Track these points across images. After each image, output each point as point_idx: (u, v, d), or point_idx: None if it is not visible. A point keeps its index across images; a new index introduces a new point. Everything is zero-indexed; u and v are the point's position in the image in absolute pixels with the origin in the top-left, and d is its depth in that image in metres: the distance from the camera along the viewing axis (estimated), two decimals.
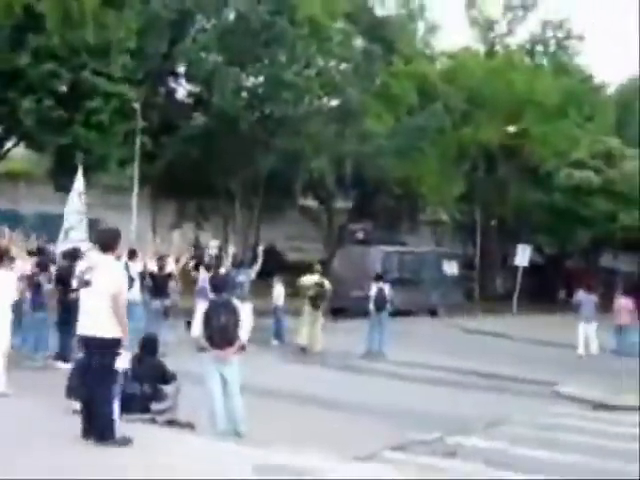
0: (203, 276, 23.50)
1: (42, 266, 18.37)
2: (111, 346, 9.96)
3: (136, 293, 20.95)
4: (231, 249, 25.52)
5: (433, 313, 38.34)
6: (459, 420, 14.57)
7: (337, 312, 31.65)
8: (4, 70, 30.57)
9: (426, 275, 39.33)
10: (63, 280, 18.06)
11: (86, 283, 10.19)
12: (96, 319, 9.99)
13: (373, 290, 24.63)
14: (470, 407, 16.15)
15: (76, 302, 17.38)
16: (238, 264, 24.31)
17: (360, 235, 41.57)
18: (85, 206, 22.69)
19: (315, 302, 23.87)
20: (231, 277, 23.67)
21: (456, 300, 41.09)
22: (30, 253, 19.66)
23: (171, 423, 12.16)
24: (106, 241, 10.38)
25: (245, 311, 23.31)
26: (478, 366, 21.97)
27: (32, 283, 18.09)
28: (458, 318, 36.95)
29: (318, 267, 25.60)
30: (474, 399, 17.36)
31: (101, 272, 10.10)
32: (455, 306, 39.78)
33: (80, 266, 10.89)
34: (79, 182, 23.02)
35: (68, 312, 17.70)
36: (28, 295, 18.13)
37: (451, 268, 42.49)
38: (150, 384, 12.24)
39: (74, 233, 21.99)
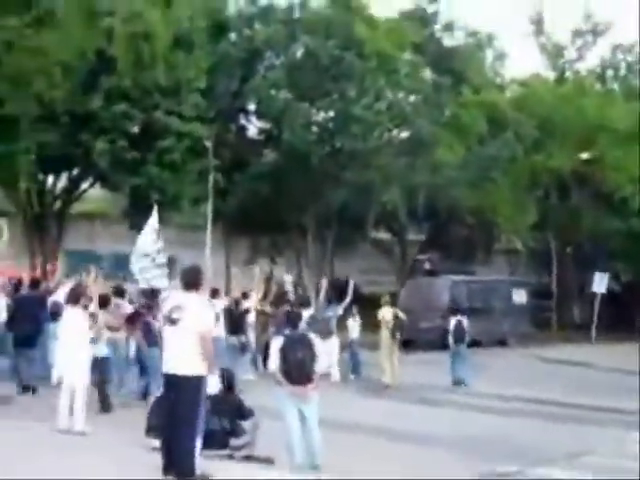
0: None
1: (148, 306, 18.60)
2: (196, 384, 10.04)
3: (220, 330, 21.31)
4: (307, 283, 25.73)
5: (502, 343, 37.66)
6: (540, 451, 14.36)
7: (406, 344, 31.20)
8: (78, 113, 31.11)
9: (495, 304, 38.67)
10: (140, 320, 18.34)
11: (172, 322, 10.28)
12: (182, 357, 10.08)
13: (452, 323, 24.52)
14: (551, 438, 15.90)
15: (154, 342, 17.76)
16: (328, 299, 24.63)
17: (427, 265, 41.07)
18: (158, 245, 22.88)
19: (393, 334, 23.84)
20: (320, 312, 24.01)
21: (525, 330, 40.32)
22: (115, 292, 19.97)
23: (249, 458, 12.18)
24: (190, 279, 10.50)
25: (332, 345, 23.58)
26: (558, 396, 21.68)
27: (141, 322, 18.38)
28: (534, 348, 36.51)
29: (387, 299, 25.52)
30: (555, 430, 17.09)
31: (188, 310, 10.20)
32: (525, 336, 39.16)
33: (165, 305, 10.99)
34: (153, 220, 23.24)
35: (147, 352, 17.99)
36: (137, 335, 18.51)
37: (520, 297, 41.65)
38: (228, 419, 12.28)
39: (148, 274, 22.18)
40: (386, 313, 24.20)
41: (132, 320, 18.81)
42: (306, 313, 24.17)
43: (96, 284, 17.87)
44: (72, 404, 13.66)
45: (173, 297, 10.93)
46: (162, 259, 22.64)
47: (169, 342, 10.36)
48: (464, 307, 29.65)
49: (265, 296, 24.77)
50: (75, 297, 14.50)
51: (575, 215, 48.75)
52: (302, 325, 23.22)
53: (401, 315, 24.42)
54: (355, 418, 16.81)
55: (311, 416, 11.82)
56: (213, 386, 10.42)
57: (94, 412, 14.73)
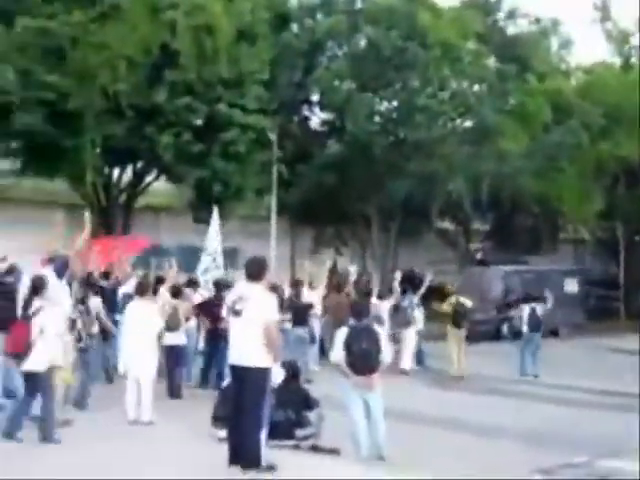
0: (374, 303, 23.84)
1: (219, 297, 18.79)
2: (262, 375, 10.07)
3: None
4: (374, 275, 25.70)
5: (554, 334, 36.49)
6: (609, 443, 14.19)
7: None
8: (142, 106, 31.30)
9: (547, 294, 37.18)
10: (210, 311, 18.47)
11: (236, 313, 10.31)
12: (247, 348, 10.11)
13: (525, 311, 24.29)
14: (620, 429, 15.70)
15: (222, 333, 17.90)
16: (402, 290, 24.67)
17: (479, 255, 40.44)
18: (218, 246, 23.12)
19: (458, 323, 23.64)
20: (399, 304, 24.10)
21: (577, 320, 39.56)
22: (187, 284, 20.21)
23: (315, 449, 12.20)
24: (254, 270, 10.54)
25: (409, 335, 23.62)
26: (626, 387, 21.42)
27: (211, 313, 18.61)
28: (602, 338, 36.08)
29: (451, 288, 25.45)
30: (623, 421, 16.87)
31: (251, 301, 10.22)
32: (577, 326, 38.43)
33: (229, 296, 11.03)
34: (215, 220, 23.50)
35: (215, 342, 18.11)
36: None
37: (572, 286, 40.61)
38: (294, 410, 12.31)
39: (209, 275, 22.44)
40: (447, 302, 24.12)
41: (202, 310, 18.99)
42: (387, 304, 24.36)
43: (176, 276, 18.24)
44: (139, 395, 13.78)
45: (237, 288, 10.97)
46: (221, 260, 22.88)
47: (233, 333, 10.40)
48: (513, 297, 29.22)
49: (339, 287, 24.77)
50: (142, 289, 14.64)
51: None
52: (384, 315, 23.65)
53: (468, 304, 24.22)
54: (421, 409, 16.77)
55: (376, 407, 11.82)
56: (278, 377, 10.41)
57: (162, 401, 14.83)
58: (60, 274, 13.42)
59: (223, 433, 11.01)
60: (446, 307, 24.06)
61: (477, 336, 29.96)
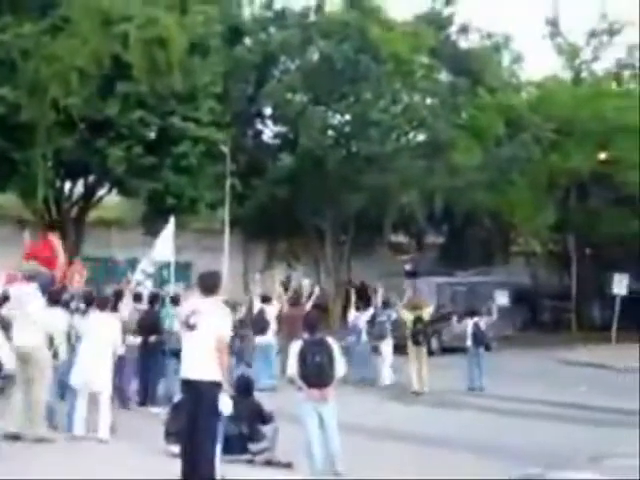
0: (354, 314, 24.90)
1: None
2: (214, 389, 9.98)
3: (271, 336, 21.63)
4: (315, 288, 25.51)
5: (486, 347, 34.67)
6: (561, 454, 14.24)
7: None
8: (94, 119, 31.09)
9: (477, 307, 35.02)
10: (146, 325, 18.26)
11: (190, 327, 10.22)
12: (199, 362, 10.03)
13: (469, 325, 24.25)
14: (572, 441, 15.78)
15: (157, 347, 17.79)
16: (383, 304, 24.70)
17: (408, 267, 39.85)
18: (171, 255, 22.88)
19: (416, 339, 23.20)
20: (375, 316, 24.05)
21: (507, 332, 38.50)
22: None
23: (269, 463, 12.12)
24: (208, 284, 10.44)
25: (386, 348, 23.47)
26: (578, 398, 21.55)
27: None
28: (553, 350, 36.25)
29: (405, 302, 25.25)
30: (576, 432, 16.97)
31: (205, 316, 10.14)
32: (507, 339, 37.67)
33: (183, 310, 10.94)
34: (170, 229, 23.27)
35: (150, 357, 17.94)
36: None
37: (502, 298, 38.34)
38: (247, 424, 12.23)
39: (148, 283, 22.17)
40: (407, 316, 23.73)
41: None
42: (366, 315, 24.43)
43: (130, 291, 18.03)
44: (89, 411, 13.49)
45: (191, 302, 10.89)
46: (152, 270, 22.63)
47: (186, 347, 10.31)
48: (444, 310, 28.65)
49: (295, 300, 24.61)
50: (103, 303, 14.44)
51: (594, 216, 48.46)
52: (362, 326, 23.78)
53: (425, 317, 23.68)
54: (374, 422, 16.73)
55: (330, 420, 11.78)
56: (227, 407, 10.23)
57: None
58: (45, 291, 13.31)
59: (176, 448, 10.89)
60: (405, 320, 23.73)
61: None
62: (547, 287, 53.41)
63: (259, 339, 22.20)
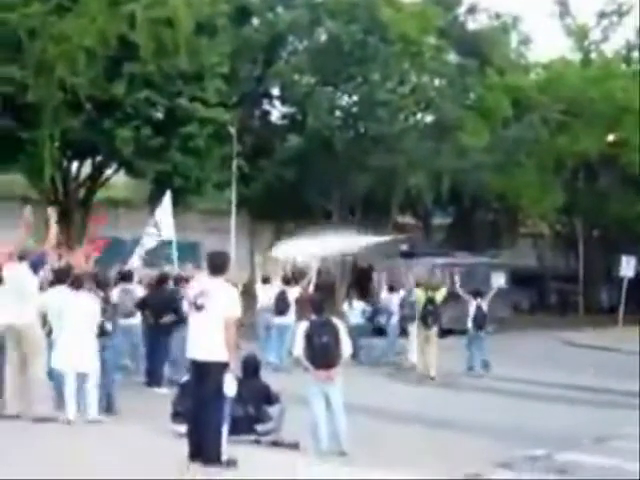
0: (384, 296, 25.30)
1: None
2: (221, 370, 9.96)
3: (291, 318, 21.58)
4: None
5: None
6: (567, 436, 14.22)
7: (380, 333, 27.43)
8: (101, 99, 31.05)
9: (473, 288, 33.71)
10: (150, 305, 18.13)
11: (198, 307, 10.20)
12: (206, 343, 10.01)
13: (472, 307, 23.98)
14: (578, 422, 15.77)
15: (165, 327, 17.66)
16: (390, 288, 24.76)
17: (405, 247, 39.09)
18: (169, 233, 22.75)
19: (426, 321, 22.37)
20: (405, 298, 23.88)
21: (504, 314, 36.63)
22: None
23: (276, 444, 12.12)
24: (216, 265, 10.40)
25: (413, 330, 23.03)
26: (585, 380, 21.53)
27: None
28: (560, 331, 36.22)
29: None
30: (582, 414, 16.95)
31: (213, 296, 10.11)
32: (502, 321, 36.62)
33: (191, 290, 10.90)
34: (167, 208, 23.13)
35: (161, 338, 17.84)
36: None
37: (498, 280, 37.40)
38: (254, 405, 12.22)
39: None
40: (419, 297, 22.86)
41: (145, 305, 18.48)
42: (396, 297, 24.35)
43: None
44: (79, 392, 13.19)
45: (199, 282, 10.85)
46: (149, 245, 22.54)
47: (194, 328, 10.29)
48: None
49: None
50: (79, 282, 13.85)
51: (602, 198, 48.43)
52: (394, 308, 23.63)
53: (438, 299, 22.66)
54: (379, 403, 16.72)
55: (335, 401, 11.78)
56: (232, 388, 10.18)
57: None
58: (36, 270, 13.22)
59: (183, 428, 10.89)
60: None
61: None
62: (554, 269, 53.37)
63: (278, 319, 22.22)
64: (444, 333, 24.91)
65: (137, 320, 18.29)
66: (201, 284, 10.56)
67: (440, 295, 22.88)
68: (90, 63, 30.02)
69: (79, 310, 13.35)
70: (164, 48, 31.19)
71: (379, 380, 21.17)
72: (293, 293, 22.65)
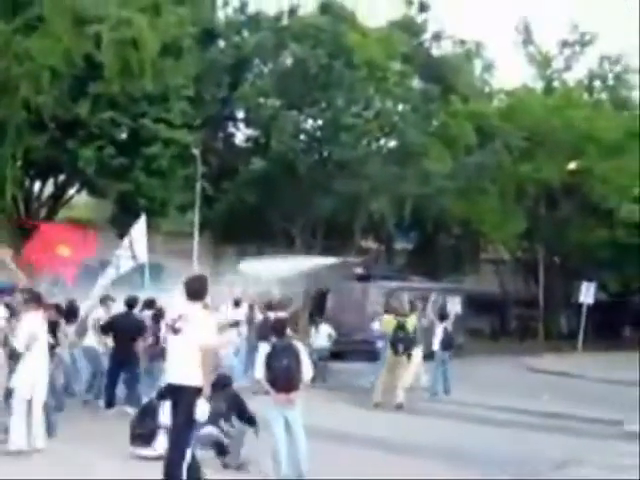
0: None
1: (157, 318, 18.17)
2: (194, 394, 9.96)
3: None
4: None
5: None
6: (527, 462, 14.28)
7: (336, 357, 27.42)
8: (65, 119, 30.99)
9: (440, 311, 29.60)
10: (126, 329, 17.95)
11: (175, 331, 10.19)
12: (182, 367, 10.02)
13: (439, 330, 24.04)
14: (537, 448, 15.84)
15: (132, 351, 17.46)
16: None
17: (359, 270, 38.69)
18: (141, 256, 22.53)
19: (395, 347, 21.23)
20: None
21: (459, 340, 36.47)
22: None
23: (236, 466, 12.14)
24: (195, 289, 10.34)
25: (417, 354, 22.63)
26: (544, 406, 21.63)
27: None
28: (520, 357, 36.39)
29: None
30: (541, 440, 17.02)
31: (192, 321, 10.10)
32: (457, 347, 35.75)
33: (169, 313, 10.88)
34: (141, 231, 22.91)
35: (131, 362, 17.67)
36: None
37: (454, 306, 36.49)
38: (226, 419, 12.31)
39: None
40: (388, 323, 21.90)
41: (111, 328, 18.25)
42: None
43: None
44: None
45: (177, 306, 10.78)
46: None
47: (171, 351, 10.29)
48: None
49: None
50: (37, 300, 13.29)
51: (563, 225, 48.86)
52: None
53: (409, 326, 21.43)
54: (339, 427, 16.71)
55: (295, 424, 11.79)
56: (204, 413, 10.17)
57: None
58: None
59: (143, 451, 10.85)
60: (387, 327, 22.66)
61: (355, 357, 28.43)
62: (515, 294, 53.72)
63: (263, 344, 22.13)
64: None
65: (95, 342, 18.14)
66: (180, 308, 10.52)
67: (411, 322, 21.85)
68: (55, 82, 29.98)
69: (37, 330, 12.97)
70: (129, 69, 31.16)
71: (340, 404, 21.15)
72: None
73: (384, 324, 22.48)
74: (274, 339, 12.38)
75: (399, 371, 21.44)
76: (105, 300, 19.23)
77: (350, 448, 14.75)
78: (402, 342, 21.12)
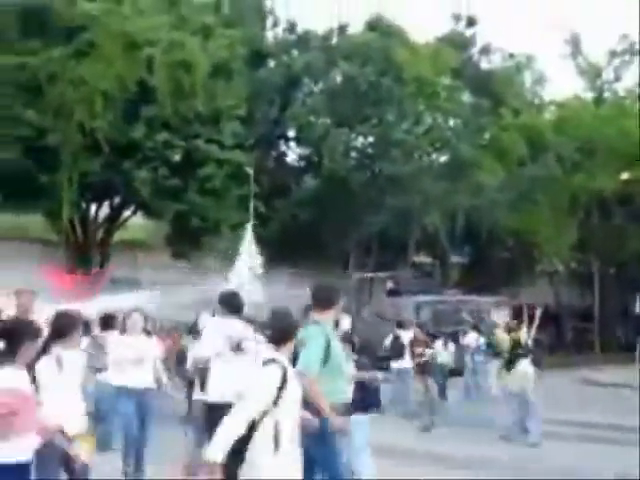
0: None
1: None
2: None
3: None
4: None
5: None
6: (588, 474, 14.23)
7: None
8: (119, 142, 31.41)
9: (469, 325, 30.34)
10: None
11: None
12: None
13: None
14: (597, 460, 15.75)
15: None
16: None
17: (390, 285, 38.37)
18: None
19: (422, 367, 20.68)
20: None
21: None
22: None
23: None
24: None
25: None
26: (604, 419, 21.49)
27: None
28: (578, 370, 36.13)
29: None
30: (601, 452, 16.93)
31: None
32: None
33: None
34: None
35: None
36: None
37: (501, 316, 33.48)
38: None
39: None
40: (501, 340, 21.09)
41: None
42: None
43: None
44: None
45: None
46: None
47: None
48: (427, 329, 26.91)
49: None
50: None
51: (618, 235, 48.46)
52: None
53: (523, 341, 19.69)
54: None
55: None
56: None
57: None
58: None
59: None
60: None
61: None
62: (570, 307, 53.34)
63: (395, 364, 22.17)
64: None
65: None
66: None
67: (523, 337, 20.05)
68: (108, 106, 30.44)
69: None
70: (181, 91, 31.57)
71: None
72: (406, 336, 22.31)
73: (497, 340, 21.75)
74: None
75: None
76: None
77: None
78: (520, 358, 19.58)
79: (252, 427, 6.81)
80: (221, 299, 10.80)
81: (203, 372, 10.80)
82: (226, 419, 6.79)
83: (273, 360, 7.10)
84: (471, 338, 26.12)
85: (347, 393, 8.92)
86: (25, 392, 7.03)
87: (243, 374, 9.42)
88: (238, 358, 10.20)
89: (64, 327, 8.69)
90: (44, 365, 8.13)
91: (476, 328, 26.38)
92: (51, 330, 8.56)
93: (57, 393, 8.01)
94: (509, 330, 20.47)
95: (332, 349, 8.49)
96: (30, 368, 7.36)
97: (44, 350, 8.25)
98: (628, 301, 47.55)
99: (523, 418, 18.60)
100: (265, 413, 6.84)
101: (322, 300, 8.97)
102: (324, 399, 8.12)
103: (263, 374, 7.05)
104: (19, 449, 6.84)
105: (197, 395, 11.41)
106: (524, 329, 20.27)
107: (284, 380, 6.95)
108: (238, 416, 6.79)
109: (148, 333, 13.14)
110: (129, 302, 14.24)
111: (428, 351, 21.24)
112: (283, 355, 7.27)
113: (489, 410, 21.61)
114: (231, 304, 10.61)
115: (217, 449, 6.66)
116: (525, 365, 19.46)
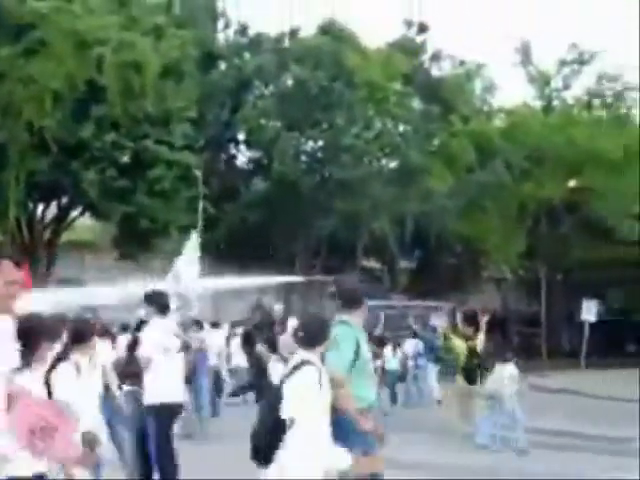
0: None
1: None
2: None
3: None
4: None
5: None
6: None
7: None
8: (68, 141, 31.15)
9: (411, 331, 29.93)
10: None
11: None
12: None
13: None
14: (542, 466, 15.84)
15: None
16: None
17: (333, 288, 38.18)
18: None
19: (469, 377, 18.37)
20: None
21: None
22: None
23: None
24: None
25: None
26: (548, 424, 21.60)
27: None
28: (522, 375, 36.31)
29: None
30: (545, 458, 17.02)
31: None
32: None
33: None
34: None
35: None
36: None
37: (440, 321, 36.50)
38: None
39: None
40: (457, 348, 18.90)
41: None
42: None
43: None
44: None
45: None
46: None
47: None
48: (376, 334, 26.91)
49: None
50: None
51: (564, 243, 48.87)
52: None
53: (480, 349, 18.07)
54: None
55: None
56: None
57: None
58: None
59: None
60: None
61: None
62: (517, 312, 53.67)
63: None
64: None
65: None
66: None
67: (480, 346, 18.31)
68: (57, 106, 30.17)
69: None
70: (131, 91, 31.38)
71: None
72: None
73: (453, 348, 19.29)
74: None
75: (472, 401, 18.75)
76: None
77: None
78: (475, 370, 18.09)
79: (284, 426, 6.86)
80: (147, 298, 10.75)
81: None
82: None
83: (308, 362, 7.16)
84: (410, 344, 26.31)
85: (374, 395, 8.80)
86: (59, 404, 6.60)
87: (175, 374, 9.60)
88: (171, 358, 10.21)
89: (82, 333, 8.63)
90: (63, 371, 7.93)
91: (415, 334, 26.45)
92: (70, 336, 8.46)
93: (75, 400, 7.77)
94: (466, 338, 19.24)
95: (361, 350, 8.39)
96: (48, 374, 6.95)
97: (63, 356, 8.08)
98: (574, 308, 47.91)
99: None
100: (302, 413, 6.92)
101: (349, 300, 8.75)
102: (352, 400, 7.93)
103: (301, 375, 7.10)
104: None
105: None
106: (481, 336, 19.31)
107: (320, 381, 7.06)
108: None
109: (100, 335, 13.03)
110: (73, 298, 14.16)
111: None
112: (315, 357, 7.33)
113: (432, 414, 21.69)
114: (157, 303, 10.57)
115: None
116: (510, 369, 18.10)
